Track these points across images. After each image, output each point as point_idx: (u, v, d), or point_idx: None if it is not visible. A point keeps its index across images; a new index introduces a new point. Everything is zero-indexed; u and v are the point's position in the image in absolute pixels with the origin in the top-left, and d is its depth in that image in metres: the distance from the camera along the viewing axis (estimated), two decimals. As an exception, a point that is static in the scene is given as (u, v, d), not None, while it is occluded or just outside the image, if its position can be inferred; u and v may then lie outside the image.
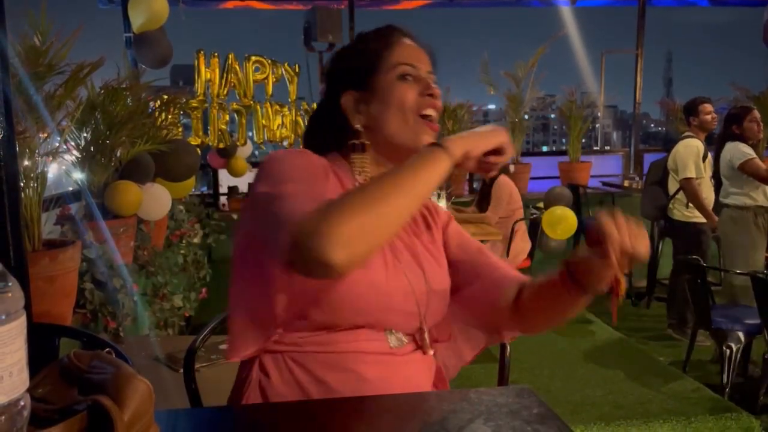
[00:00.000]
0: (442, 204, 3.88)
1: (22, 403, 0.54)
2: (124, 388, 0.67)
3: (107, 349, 0.80)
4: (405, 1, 6.46)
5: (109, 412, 0.63)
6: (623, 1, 6.49)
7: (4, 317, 0.50)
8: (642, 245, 0.91)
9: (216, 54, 4.42)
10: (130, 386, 0.67)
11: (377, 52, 1.07)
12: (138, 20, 3.72)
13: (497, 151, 1.00)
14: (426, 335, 1.07)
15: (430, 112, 1.06)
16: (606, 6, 6.64)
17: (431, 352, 1.09)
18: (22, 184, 2.02)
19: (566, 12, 6.37)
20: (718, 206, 4.11)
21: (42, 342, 1.14)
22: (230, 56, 4.47)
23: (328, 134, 1.12)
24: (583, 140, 5.96)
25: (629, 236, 0.90)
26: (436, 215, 1.20)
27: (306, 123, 1.31)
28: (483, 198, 4.42)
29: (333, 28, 5.53)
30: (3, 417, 0.52)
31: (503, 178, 4.34)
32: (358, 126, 1.06)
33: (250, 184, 1.04)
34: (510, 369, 1.44)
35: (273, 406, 0.93)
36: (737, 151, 3.80)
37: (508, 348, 1.40)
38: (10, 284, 0.52)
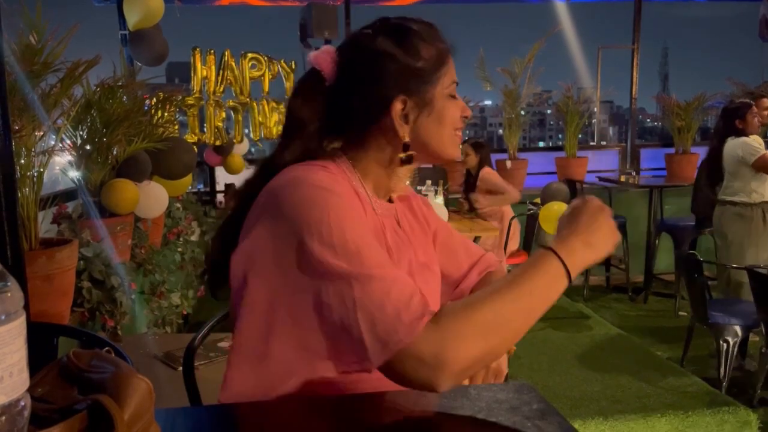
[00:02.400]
0: (439, 200, 3.88)
1: (22, 404, 0.54)
2: (124, 387, 0.67)
3: (106, 348, 0.80)
4: (401, -3, 6.46)
5: (110, 411, 0.63)
6: (619, -4, 6.50)
7: (3, 317, 0.49)
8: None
9: (212, 51, 4.40)
10: (130, 385, 0.67)
11: (436, 63, 1.01)
12: (133, 18, 3.71)
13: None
14: None
15: (460, 136, 1.06)
16: (601, 2, 6.64)
17: None
18: (18, 183, 2.01)
19: (562, 8, 6.36)
20: (710, 204, 4.09)
21: (41, 341, 1.14)
22: (226, 53, 4.45)
23: (352, 136, 1.03)
24: (580, 136, 5.96)
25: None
26: (429, 220, 1.21)
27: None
28: (469, 189, 4.50)
29: (329, 24, 5.51)
30: (3, 417, 0.51)
31: (487, 170, 4.42)
32: (407, 139, 0.99)
33: (272, 211, 0.92)
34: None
35: (272, 403, 0.93)
36: (748, 146, 3.76)
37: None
38: (9, 284, 0.51)
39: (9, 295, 0.51)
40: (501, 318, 0.84)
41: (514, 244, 4.34)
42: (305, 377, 0.92)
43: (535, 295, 0.87)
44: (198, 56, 4.33)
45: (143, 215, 3.09)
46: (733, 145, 3.84)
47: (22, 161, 2.00)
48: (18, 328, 0.51)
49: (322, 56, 1.02)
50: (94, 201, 2.73)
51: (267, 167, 1.00)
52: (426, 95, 1.00)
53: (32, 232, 2.09)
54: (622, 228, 5.06)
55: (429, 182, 3.93)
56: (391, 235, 1.04)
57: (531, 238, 4.40)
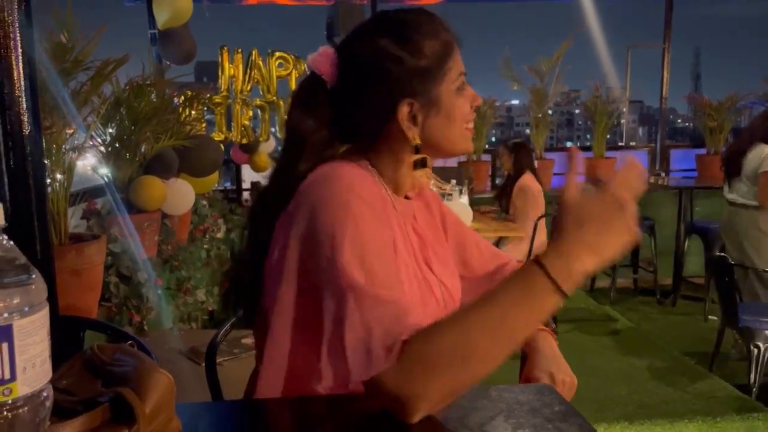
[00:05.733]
0: (464, 200, 3.85)
1: (44, 395, 0.54)
2: (146, 380, 0.68)
3: (130, 343, 0.81)
4: (427, -4, 6.43)
5: (131, 404, 0.64)
6: (650, -6, 6.39)
7: (27, 309, 0.50)
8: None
9: (239, 50, 4.44)
10: (151, 379, 0.68)
11: (440, 58, 0.96)
12: (162, 17, 3.76)
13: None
14: None
15: (471, 129, 1.02)
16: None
17: None
18: (48, 179, 2.05)
19: (591, 6, 6.28)
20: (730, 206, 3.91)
21: (67, 334, 1.16)
22: (254, 52, 4.48)
23: (362, 141, 1.01)
24: (608, 136, 5.86)
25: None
26: (446, 220, 1.20)
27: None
28: (503, 195, 4.29)
29: (355, 23, 5.52)
30: (26, 407, 0.52)
31: (528, 180, 4.08)
32: (418, 142, 0.96)
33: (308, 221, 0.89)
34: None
35: (293, 399, 0.93)
36: None
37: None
38: (33, 276, 0.52)
39: (33, 287, 0.52)
40: (470, 348, 0.76)
41: (542, 246, 4.27)
42: (332, 386, 0.88)
43: (510, 318, 0.78)
44: (225, 55, 4.37)
45: (170, 212, 3.12)
46: (759, 152, 3.62)
47: (53, 158, 2.04)
48: (41, 319, 0.52)
49: (321, 59, 0.98)
50: (122, 197, 2.77)
51: (284, 179, 0.97)
52: (432, 95, 0.96)
53: (62, 228, 2.13)
54: (650, 230, 4.98)
55: (454, 181, 3.90)
56: (410, 232, 1.04)
57: (557, 238, 4.34)
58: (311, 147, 0.97)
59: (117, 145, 2.75)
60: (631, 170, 0.80)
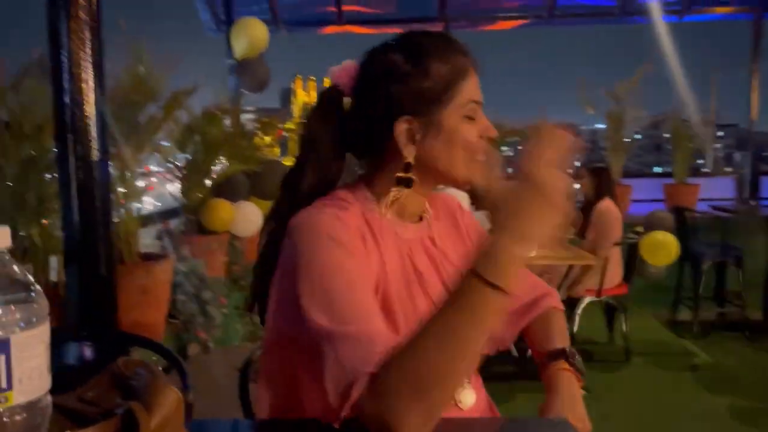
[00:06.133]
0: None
1: (42, 404, 0.58)
2: (155, 395, 0.71)
3: (158, 365, 0.85)
4: (502, 21, 6.42)
5: (137, 417, 0.67)
6: (736, 14, 6.11)
7: (23, 324, 0.54)
8: None
9: (313, 78, 4.60)
10: (161, 394, 0.71)
11: (449, 82, 0.95)
12: (239, 48, 3.95)
13: (480, 136, 0.97)
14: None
15: (483, 157, 0.97)
16: (717, 20, 6.27)
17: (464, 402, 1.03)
18: (122, 201, 2.20)
19: (673, 27, 6.07)
20: None
21: (117, 350, 1.23)
22: (325, 80, 4.62)
23: (368, 156, 1.01)
24: (699, 161, 5.60)
25: None
26: (473, 235, 1.15)
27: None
28: (583, 218, 4.13)
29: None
30: (24, 414, 0.56)
31: (608, 205, 3.92)
32: (410, 160, 0.95)
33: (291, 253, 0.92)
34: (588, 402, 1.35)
35: (304, 420, 0.94)
36: None
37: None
38: (33, 294, 0.56)
39: (34, 305, 0.56)
40: (432, 369, 0.75)
41: (615, 275, 4.09)
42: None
43: (460, 330, 0.75)
44: (299, 83, 4.54)
45: (238, 233, 3.24)
46: None
47: (126, 182, 2.17)
48: (40, 335, 0.56)
49: (342, 72, 1.00)
50: (193, 219, 2.92)
51: (290, 195, 0.99)
52: (433, 116, 0.95)
53: (132, 247, 2.26)
54: (737, 261, 4.69)
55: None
56: (421, 257, 1.03)
57: (632, 268, 4.16)
58: (319, 156, 0.99)
59: (190, 169, 2.90)
60: (543, 142, 0.77)
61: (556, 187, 0.75)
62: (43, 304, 0.57)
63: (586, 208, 4.07)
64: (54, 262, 1.80)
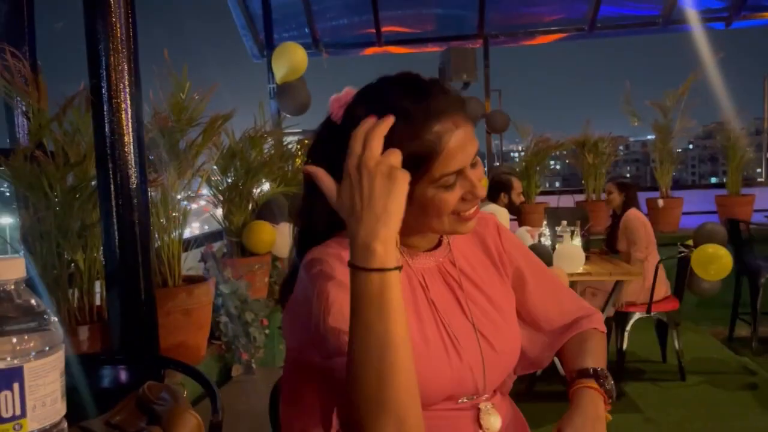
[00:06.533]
0: (576, 242, 3.70)
1: (56, 430, 0.60)
2: (175, 421, 0.72)
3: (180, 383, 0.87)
4: (541, 36, 6.35)
5: (157, 442, 0.68)
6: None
7: (35, 354, 0.56)
8: None
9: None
10: (180, 420, 0.73)
11: (418, 160, 0.86)
12: (280, 72, 4.03)
13: (465, 197, 0.92)
14: (483, 405, 0.99)
15: (469, 215, 0.94)
16: (766, 25, 6.07)
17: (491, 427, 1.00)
18: (164, 223, 2.25)
19: (721, 34, 5.90)
20: None
21: (152, 373, 1.26)
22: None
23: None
24: (759, 170, 5.41)
25: None
26: (504, 258, 1.12)
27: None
28: (612, 234, 4.16)
29: (467, 67, 5.58)
30: (41, 441, 0.58)
31: (633, 212, 3.98)
32: None
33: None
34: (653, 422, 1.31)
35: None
36: None
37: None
38: (47, 323, 0.58)
39: (47, 333, 0.58)
40: (371, 376, 0.75)
41: (662, 289, 3.98)
42: None
43: (369, 326, 0.76)
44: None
45: (280, 255, 3.28)
46: None
47: (169, 206, 2.23)
48: (53, 362, 0.58)
49: (336, 99, 0.95)
50: (235, 241, 2.97)
51: (304, 226, 0.99)
52: (410, 188, 0.83)
53: (176, 270, 2.31)
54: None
55: (564, 222, 3.77)
56: (436, 284, 1.01)
57: (682, 283, 4.03)
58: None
59: (231, 192, 2.96)
60: (356, 140, 0.79)
61: (383, 161, 0.78)
62: (57, 332, 0.59)
63: (615, 221, 4.08)
64: (98, 287, 1.86)
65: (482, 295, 1.04)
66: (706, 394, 3.64)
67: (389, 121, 0.80)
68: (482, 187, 0.93)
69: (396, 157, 0.79)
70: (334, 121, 0.94)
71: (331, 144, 0.91)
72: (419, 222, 0.94)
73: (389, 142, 0.81)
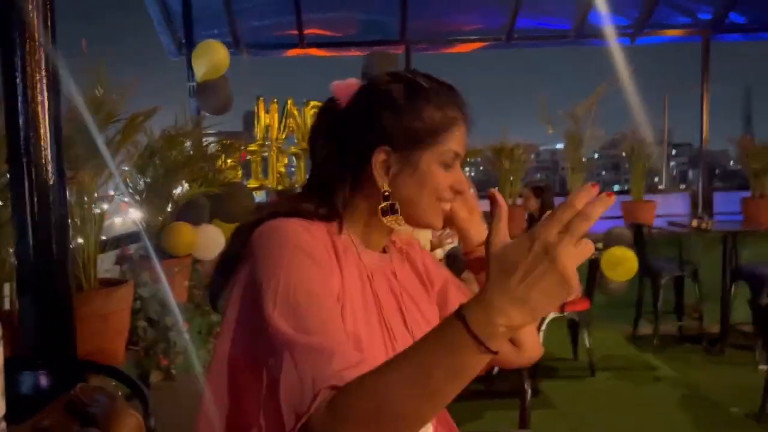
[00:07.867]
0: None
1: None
2: (116, 421, 0.69)
3: (114, 384, 0.83)
4: (461, 44, 6.51)
5: (95, 445, 0.65)
6: (686, 37, 6.33)
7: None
8: None
9: (275, 100, 4.59)
10: (120, 420, 0.69)
11: (437, 129, 0.97)
12: (200, 70, 3.92)
13: (453, 186, 1.00)
14: None
15: (447, 207, 1.01)
16: (668, 43, 6.49)
17: None
18: (79, 224, 2.14)
19: (627, 50, 6.26)
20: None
21: (74, 378, 1.19)
22: (289, 102, 4.62)
23: (337, 188, 1.00)
24: (656, 179, 5.76)
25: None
26: (432, 275, 1.15)
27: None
28: None
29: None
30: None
31: None
32: (387, 190, 0.97)
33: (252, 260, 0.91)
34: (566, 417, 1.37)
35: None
36: None
37: (529, 391, 1.35)
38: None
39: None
40: (394, 408, 0.71)
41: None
42: None
43: (433, 379, 0.70)
44: (261, 105, 4.52)
45: (201, 257, 3.19)
46: None
47: (84, 206, 2.12)
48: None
49: (343, 85, 1.02)
50: (154, 243, 2.85)
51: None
52: (412, 155, 0.97)
53: (91, 273, 2.19)
54: (694, 275, 4.82)
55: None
56: (382, 286, 1.02)
57: (593, 284, 4.24)
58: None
59: (150, 193, 2.85)
60: (565, 210, 0.68)
61: (569, 261, 0.67)
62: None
63: (532, 225, 4.25)
64: (6, 289, 1.74)
65: (418, 311, 1.07)
66: (614, 388, 3.85)
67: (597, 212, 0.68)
68: (468, 184, 1.02)
69: (575, 278, 0.69)
70: (338, 104, 1.02)
71: (340, 128, 1.01)
72: (410, 200, 0.98)
73: (417, 103, 0.96)
